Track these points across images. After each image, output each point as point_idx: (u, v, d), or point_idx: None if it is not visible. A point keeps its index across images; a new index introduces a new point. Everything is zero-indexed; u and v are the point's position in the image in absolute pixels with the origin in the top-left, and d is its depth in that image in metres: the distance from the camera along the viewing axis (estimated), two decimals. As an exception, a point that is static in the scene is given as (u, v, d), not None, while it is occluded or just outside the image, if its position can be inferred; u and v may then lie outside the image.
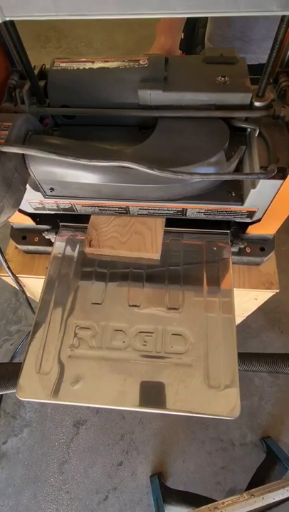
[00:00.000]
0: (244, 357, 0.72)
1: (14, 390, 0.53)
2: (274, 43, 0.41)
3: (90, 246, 0.62)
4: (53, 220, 0.67)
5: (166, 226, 0.64)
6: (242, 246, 0.66)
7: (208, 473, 1.27)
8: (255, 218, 0.60)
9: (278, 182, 0.48)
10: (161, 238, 0.62)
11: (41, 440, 1.33)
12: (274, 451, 1.22)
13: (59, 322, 0.58)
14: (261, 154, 0.48)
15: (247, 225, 0.62)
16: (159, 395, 0.51)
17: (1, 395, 1.41)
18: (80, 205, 0.61)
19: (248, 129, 0.52)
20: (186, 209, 0.59)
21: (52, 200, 0.59)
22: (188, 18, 1.40)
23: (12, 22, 0.42)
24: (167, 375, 0.52)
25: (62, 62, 0.53)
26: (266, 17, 0.80)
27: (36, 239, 0.71)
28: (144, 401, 0.51)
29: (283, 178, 0.46)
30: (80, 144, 0.49)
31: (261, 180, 0.48)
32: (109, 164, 0.45)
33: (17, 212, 0.63)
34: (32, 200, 0.61)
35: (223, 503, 0.71)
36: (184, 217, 0.62)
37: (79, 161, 0.44)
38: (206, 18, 1.30)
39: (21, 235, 0.72)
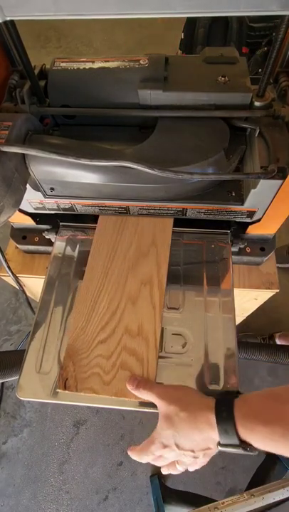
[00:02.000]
0: (245, 346, 0.73)
1: (17, 377, 0.53)
2: (274, 43, 0.41)
3: (64, 388, 0.48)
4: (53, 220, 0.67)
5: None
6: (242, 246, 0.66)
7: (208, 473, 1.27)
8: (255, 218, 0.60)
9: (278, 182, 0.48)
10: (155, 373, 0.49)
11: (41, 440, 1.33)
12: (274, 451, 1.21)
13: (59, 322, 0.58)
14: (261, 154, 0.48)
15: (247, 224, 0.62)
16: (159, 394, 0.51)
17: (1, 395, 1.41)
18: (80, 205, 0.61)
19: (248, 129, 0.52)
20: (187, 209, 0.59)
21: (52, 200, 0.59)
22: (188, 18, 1.41)
23: (12, 22, 0.42)
24: (167, 375, 0.52)
25: (62, 62, 0.53)
26: None
27: (36, 239, 0.71)
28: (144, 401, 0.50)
29: (283, 178, 0.46)
30: (81, 143, 0.49)
31: (261, 180, 0.48)
32: (110, 164, 0.45)
33: (17, 212, 0.63)
34: (32, 199, 0.61)
35: (223, 503, 0.71)
36: (184, 217, 0.62)
37: (79, 161, 0.44)
38: (206, 18, 1.31)
39: (21, 235, 0.72)
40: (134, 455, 0.46)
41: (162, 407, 0.43)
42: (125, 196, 0.56)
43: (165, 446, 0.42)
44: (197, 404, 0.43)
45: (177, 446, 0.42)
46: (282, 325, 1.51)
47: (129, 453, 0.47)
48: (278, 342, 1.41)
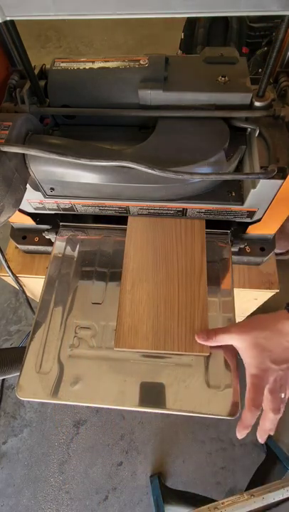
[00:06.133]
0: None
1: (17, 373, 0.53)
2: (274, 43, 0.41)
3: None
4: (53, 220, 0.67)
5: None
6: (242, 246, 0.66)
7: (208, 473, 1.27)
8: (255, 218, 0.60)
9: (278, 182, 0.48)
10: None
11: (41, 440, 1.33)
12: (274, 451, 1.21)
13: (59, 322, 0.58)
14: (261, 154, 0.48)
15: (247, 225, 0.62)
16: (159, 394, 0.51)
17: (1, 395, 1.41)
18: (80, 205, 0.61)
19: (248, 129, 0.52)
20: (187, 209, 0.59)
21: (52, 200, 0.59)
22: (188, 18, 1.41)
23: (12, 22, 0.42)
24: (167, 374, 0.52)
25: (62, 62, 0.53)
26: None
27: (36, 239, 0.71)
28: (144, 401, 0.51)
29: (283, 178, 0.46)
30: (81, 143, 0.49)
31: (261, 180, 0.48)
32: (110, 164, 0.45)
33: (17, 212, 0.63)
34: (32, 200, 0.61)
35: (223, 503, 0.71)
36: (184, 217, 0.62)
37: (79, 161, 0.44)
38: (206, 18, 1.31)
39: (21, 235, 0.72)
40: (246, 416, 0.44)
41: (245, 339, 0.45)
42: (125, 196, 0.56)
43: (264, 370, 0.44)
44: (273, 320, 0.46)
45: (274, 362, 0.43)
46: (282, 325, 1.51)
47: (241, 427, 0.45)
48: None
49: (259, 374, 0.43)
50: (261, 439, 0.47)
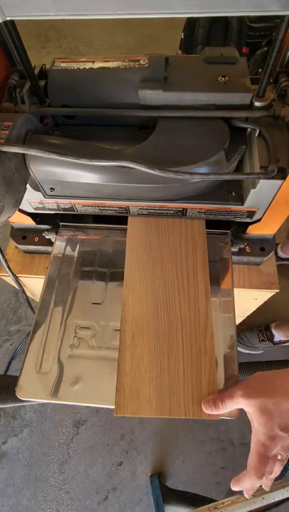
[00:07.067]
0: (243, 366, 0.72)
1: (11, 405, 0.52)
2: (274, 43, 0.42)
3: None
4: (53, 220, 0.68)
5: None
6: (242, 246, 0.66)
7: (208, 473, 1.27)
8: (255, 218, 0.60)
9: (278, 182, 0.48)
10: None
11: (41, 440, 1.33)
12: (274, 451, 1.21)
13: (59, 322, 0.58)
14: (261, 154, 0.48)
15: (247, 225, 0.62)
16: (159, 394, 0.51)
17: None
18: (80, 205, 0.61)
19: (248, 129, 0.52)
20: (187, 209, 0.59)
21: (52, 200, 0.59)
22: (188, 18, 1.41)
23: (12, 22, 0.42)
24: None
25: (62, 62, 0.53)
26: None
27: (36, 239, 0.71)
28: (144, 401, 0.50)
29: (283, 178, 0.46)
30: (81, 143, 0.49)
31: (261, 181, 0.48)
32: (110, 164, 0.45)
33: (17, 212, 0.63)
34: (32, 200, 0.61)
35: (223, 503, 0.70)
36: (184, 217, 0.62)
37: (79, 161, 0.44)
38: (206, 18, 1.31)
39: (21, 235, 0.72)
40: (246, 481, 0.43)
41: (252, 404, 0.42)
42: (125, 196, 0.56)
43: (273, 438, 0.41)
44: (280, 382, 0.43)
45: (283, 429, 0.41)
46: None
47: (236, 484, 0.44)
48: (275, 333, 1.40)
49: (266, 443, 0.41)
50: (247, 494, 0.45)
